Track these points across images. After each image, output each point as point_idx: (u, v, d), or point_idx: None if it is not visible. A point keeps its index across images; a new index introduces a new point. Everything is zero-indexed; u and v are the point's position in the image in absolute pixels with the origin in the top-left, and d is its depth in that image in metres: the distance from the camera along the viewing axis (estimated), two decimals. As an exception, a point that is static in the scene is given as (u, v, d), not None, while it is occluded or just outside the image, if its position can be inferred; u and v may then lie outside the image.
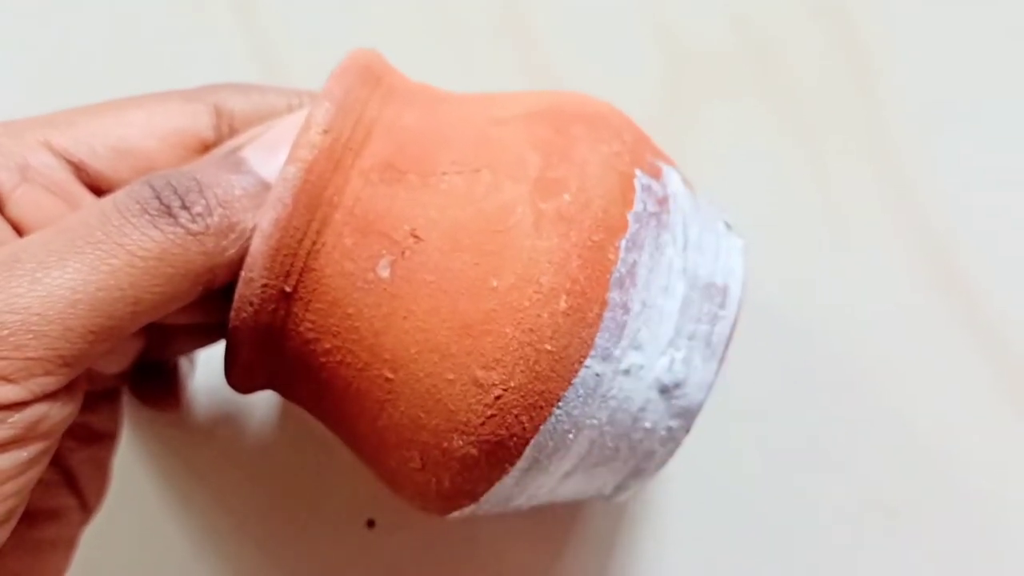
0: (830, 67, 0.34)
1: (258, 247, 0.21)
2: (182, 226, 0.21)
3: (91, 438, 0.27)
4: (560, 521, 0.33)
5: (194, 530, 0.33)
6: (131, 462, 0.29)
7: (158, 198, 0.21)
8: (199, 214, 0.21)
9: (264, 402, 0.33)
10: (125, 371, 0.28)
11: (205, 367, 0.32)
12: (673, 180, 0.24)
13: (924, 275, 0.33)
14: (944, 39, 0.34)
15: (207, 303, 0.25)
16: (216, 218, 0.21)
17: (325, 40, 0.33)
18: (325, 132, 0.22)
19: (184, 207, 0.21)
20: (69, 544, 0.26)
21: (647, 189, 0.23)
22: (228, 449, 0.33)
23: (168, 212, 0.21)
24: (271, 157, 0.23)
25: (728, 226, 0.26)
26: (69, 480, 0.26)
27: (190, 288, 0.21)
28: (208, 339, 0.28)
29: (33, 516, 0.25)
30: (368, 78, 0.23)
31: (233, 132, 0.25)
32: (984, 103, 0.34)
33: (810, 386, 0.33)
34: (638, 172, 0.23)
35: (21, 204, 0.23)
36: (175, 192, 0.21)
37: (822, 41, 0.34)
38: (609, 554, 0.33)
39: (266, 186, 0.22)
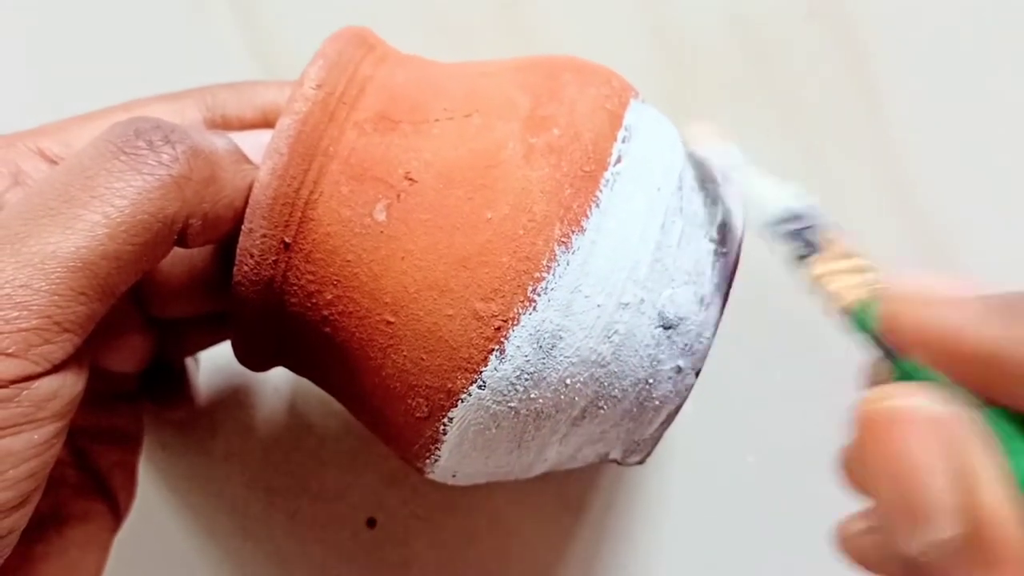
0: (829, 67, 0.34)
1: (256, 197, 0.22)
2: (164, 165, 0.20)
3: (118, 441, 0.27)
4: (562, 521, 0.32)
5: (194, 530, 0.32)
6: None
7: (137, 135, 0.20)
8: (176, 158, 0.20)
9: (265, 402, 0.33)
10: (139, 371, 0.28)
11: (206, 368, 0.32)
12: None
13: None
14: (942, 39, 0.34)
15: (215, 291, 0.26)
16: (200, 162, 0.21)
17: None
18: (318, 87, 0.22)
19: (167, 142, 0.20)
20: (102, 548, 0.26)
21: (637, 127, 0.23)
22: (229, 449, 0.33)
23: (150, 147, 0.20)
24: (252, 136, 0.23)
25: (726, 177, 0.26)
26: (100, 484, 0.26)
27: (168, 236, 0.21)
28: (219, 334, 0.29)
29: (65, 520, 0.25)
30: (360, 44, 0.24)
31: (226, 122, 0.25)
32: (983, 102, 0.34)
33: (808, 384, 0.33)
34: (626, 113, 0.23)
35: None
36: (156, 129, 0.21)
37: (821, 41, 0.34)
38: (610, 560, 0.32)
39: (245, 154, 0.22)
